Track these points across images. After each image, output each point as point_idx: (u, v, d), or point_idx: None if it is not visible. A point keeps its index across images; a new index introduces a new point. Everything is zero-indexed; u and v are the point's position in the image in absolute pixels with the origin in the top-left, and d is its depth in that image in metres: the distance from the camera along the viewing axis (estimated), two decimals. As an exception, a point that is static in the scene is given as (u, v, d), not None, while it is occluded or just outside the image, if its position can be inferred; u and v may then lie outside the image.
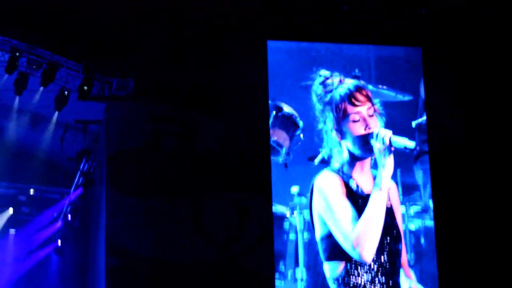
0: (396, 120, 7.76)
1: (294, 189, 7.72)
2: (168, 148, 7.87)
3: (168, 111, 7.97)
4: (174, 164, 7.80)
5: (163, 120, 7.94)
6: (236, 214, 7.81)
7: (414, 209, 8.07)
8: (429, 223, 8.04)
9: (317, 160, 6.88)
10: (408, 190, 8.09)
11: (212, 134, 7.92)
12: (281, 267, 8.14)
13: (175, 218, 7.71)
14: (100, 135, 9.33)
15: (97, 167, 9.58)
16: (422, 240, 8.01)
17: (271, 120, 7.82)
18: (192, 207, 7.75)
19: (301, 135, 7.81)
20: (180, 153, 7.86)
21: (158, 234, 7.66)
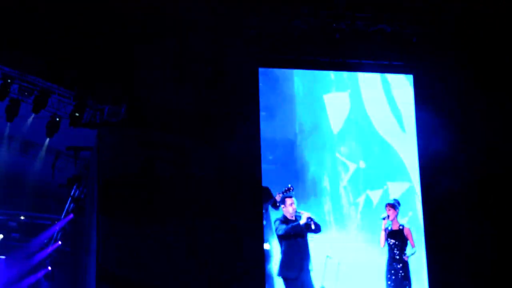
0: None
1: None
2: (160, 175, 7.86)
3: (160, 137, 7.98)
4: (166, 191, 7.79)
5: (155, 146, 7.94)
6: (228, 240, 7.80)
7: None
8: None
9: None
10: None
11: (205, 161, 7.94)
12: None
13: (167, 245, 7.69)
14: (91, 162, 9.32)
15: (88, 193, 9.55)
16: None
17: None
18: (185, 233, 7.74)
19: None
20: (172, 180, 7.86)
21: (150, 260, 7.63)
